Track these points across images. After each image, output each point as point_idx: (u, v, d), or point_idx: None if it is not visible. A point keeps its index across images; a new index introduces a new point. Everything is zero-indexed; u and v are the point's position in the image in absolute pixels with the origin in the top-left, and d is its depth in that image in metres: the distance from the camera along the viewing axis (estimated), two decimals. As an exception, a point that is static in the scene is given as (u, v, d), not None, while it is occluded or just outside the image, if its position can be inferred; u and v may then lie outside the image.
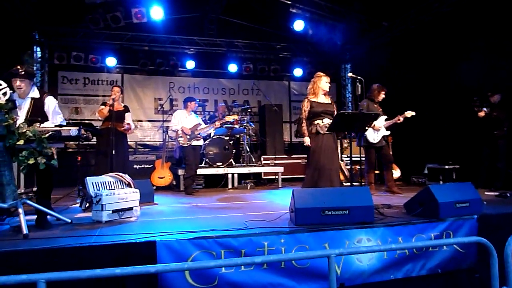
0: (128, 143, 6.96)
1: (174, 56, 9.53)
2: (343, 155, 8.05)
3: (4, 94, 3.14)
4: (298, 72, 10.52)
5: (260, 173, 8.24)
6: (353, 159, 4.69)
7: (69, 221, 3.65)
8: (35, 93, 3.91)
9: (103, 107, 5.84)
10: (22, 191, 5.53)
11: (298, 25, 8.83)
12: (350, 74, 4.73)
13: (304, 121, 4.85)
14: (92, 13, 7.68)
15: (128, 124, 5.94)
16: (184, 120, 6.71)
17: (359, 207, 3.48)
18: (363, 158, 6.33)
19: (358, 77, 4.50)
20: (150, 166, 7.57)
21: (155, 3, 7.84)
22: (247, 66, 10.05)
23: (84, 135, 3.54)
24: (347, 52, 10.83)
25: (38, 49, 8.94)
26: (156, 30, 8.91)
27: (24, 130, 3.12)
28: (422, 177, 7.52)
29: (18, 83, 3.77)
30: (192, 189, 6.65)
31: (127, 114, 6.01)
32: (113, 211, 3.74)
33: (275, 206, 4.81)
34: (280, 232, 3.17)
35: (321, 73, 4.97)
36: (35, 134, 3.14)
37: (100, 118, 6.00)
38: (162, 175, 7.29)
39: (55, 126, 3.45)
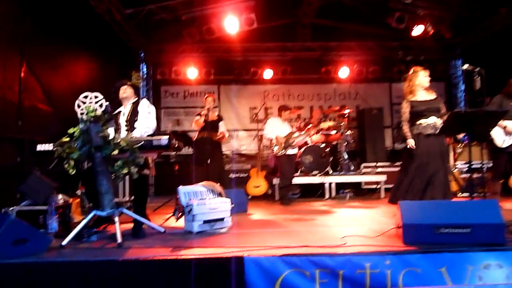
0: (224, 152, 7.05)
1: (267, 64, 9.49)
2: (456, 162, 7.08)
3: (101, 105, 3.25)
4: (400, 72, 9.64)
5: (360, 182, 7.65)
6: (473, 166, 3.99)
7: (163, 230, 3.66)
8: (135, 99, 4.08)
9: (198, 117, 5.96)
10: (127, 199, 5.88)
11: (417, 30, 8.19)
12: (465, 67, 4.00)
13: (405, 124, 4.38)
14: (189, 27, 8.06)
15: (222, 132, 5.96)
16: (277, 128, 6.51)
17: (484, 224, 2.85)
18: (485, 165, 5.39)
19: (477, 69, 3.79)
20: (245, 175, 7.55)
21: (247, 13, 7.88)
22: (343, 69, 9.52)
23: (176, 145, 3.54)
24: (457, 47, 9.64)
25: (145, 67, 9.63)
26: (249, 39, 8.95)
27: (119, 140, 3.19)
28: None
29: (124, 89, 4.04)
30: (288, 199, 6.39)
31: (221, 123, 6.07)
32: (204, 222, 3.66)
33: (378, 220, 4.30)
34: (385, 252, 2.72)
35: (417, 68, 4.44)
36: (128, 144, 3.19)
37: (196, 129, 6.11)
38: (258, 184, 7.19)
39: (148, 136, 3.50)
